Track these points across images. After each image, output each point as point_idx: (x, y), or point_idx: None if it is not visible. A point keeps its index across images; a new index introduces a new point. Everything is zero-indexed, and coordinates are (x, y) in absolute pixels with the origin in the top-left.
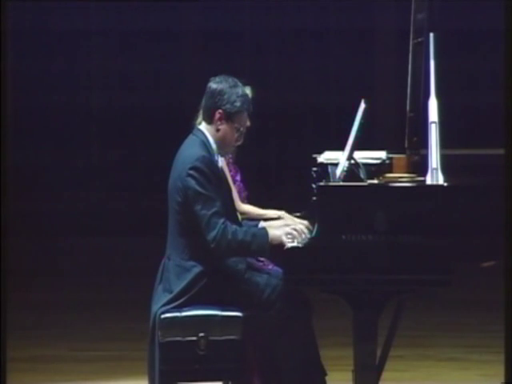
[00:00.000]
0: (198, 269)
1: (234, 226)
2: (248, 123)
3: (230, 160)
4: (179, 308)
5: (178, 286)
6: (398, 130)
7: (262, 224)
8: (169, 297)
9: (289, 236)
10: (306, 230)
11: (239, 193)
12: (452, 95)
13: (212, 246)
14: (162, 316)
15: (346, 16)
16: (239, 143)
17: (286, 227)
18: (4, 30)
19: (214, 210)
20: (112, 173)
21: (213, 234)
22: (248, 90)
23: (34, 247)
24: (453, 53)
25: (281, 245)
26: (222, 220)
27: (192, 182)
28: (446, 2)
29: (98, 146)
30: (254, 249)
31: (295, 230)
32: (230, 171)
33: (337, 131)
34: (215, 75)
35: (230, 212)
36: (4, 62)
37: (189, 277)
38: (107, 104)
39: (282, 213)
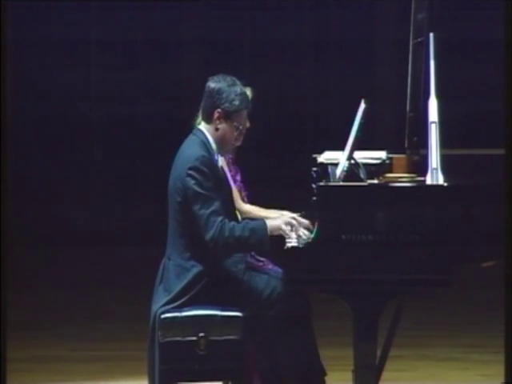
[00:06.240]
0: (197, 269)
1: (232, 223)
2: (248, 124)
3: (230, 160)
4: (179, 308)
5: (177, 286)
6: (398, 130)
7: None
8: (168, 297)
9: (288, 226)
10: (306, 223)
11: (239, 193)
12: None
13: (210, 245)
14: (162, 316)
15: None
16: (239, 143)
17: (285, 216)
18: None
19: (212, 209)
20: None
21: (210, 233)
22: (248, 91)
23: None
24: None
25: (281, 236)
26: (219, 218)
27: (191, 182)
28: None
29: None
30: (253, 242)
31: (294, 218)
32: (230, 171)
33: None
34: None
35: (230, 212)
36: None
37: (188, 277)
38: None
39: (284, 213)
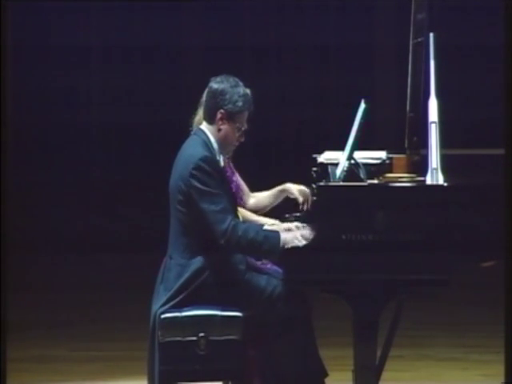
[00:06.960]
0: (196, 266)
1: (246, 223)
2: (245, 125)
3: (226, 160)
4: (179, 307)
5: (176, 284)
6: (398, 130)
7: (266, 226)
8: (168, 295)
9: (297, 241)
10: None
11: (236, 193)
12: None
13: (222, 241)
14: (162, 316)
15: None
16: (238, 143)
17: (297, 232)
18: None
19: (221, 206)
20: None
21: (223, 229)
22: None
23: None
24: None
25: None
26: (230, 217)
27: (196, 182)
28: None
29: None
30: (265, 250)
31: (303, 235)
32: (227, 172)
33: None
34: None
35: (233, 212)
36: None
37: (188, 272)
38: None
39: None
